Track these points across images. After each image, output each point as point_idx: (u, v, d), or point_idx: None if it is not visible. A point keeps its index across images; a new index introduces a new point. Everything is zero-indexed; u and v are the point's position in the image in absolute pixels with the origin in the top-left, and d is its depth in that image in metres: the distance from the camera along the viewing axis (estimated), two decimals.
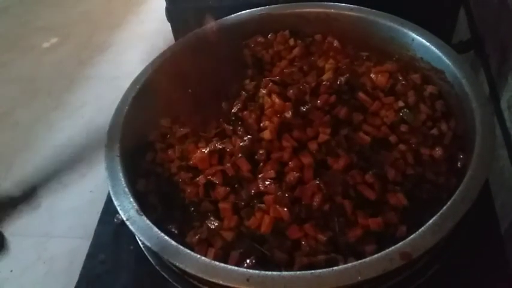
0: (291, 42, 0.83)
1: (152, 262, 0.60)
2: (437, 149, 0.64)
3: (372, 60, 0.79)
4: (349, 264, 0.49)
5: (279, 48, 0.83)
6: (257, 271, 0.49)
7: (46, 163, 1.69)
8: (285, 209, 0.58)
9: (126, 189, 0.60)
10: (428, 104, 0.70)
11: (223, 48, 0.83)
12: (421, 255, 0.49)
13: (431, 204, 0.57)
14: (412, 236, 0.50)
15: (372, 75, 0.75)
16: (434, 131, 0.66)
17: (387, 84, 0.73)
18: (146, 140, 0.73)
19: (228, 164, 0.64)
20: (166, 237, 0.54)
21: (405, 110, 0.68)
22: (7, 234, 1.47)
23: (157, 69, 0.77)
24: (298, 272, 0.49)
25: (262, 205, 0.60)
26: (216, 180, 0.64)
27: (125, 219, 0.57)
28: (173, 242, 0.53)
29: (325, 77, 0.75)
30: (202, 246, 0.57)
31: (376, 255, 0.49)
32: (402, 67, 0.76)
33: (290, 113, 0.68)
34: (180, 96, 0.78)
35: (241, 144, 0.66)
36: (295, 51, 0.82)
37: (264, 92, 0.72)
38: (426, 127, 0.67)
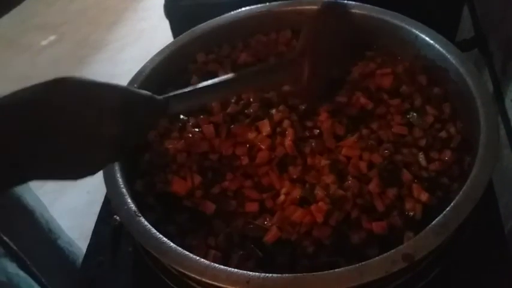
0: (294, 43, 0.82)
1: (151, 264, 0.60)
2: (446, 152, 0.62)
3: (377, 61, 0.78)
4: (351, 266, 0.48)
5: (282, 50, 0.81)
6: (257, 273, 0.48)
7: None
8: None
9: (124, 190, 0.59)
10: (434, 106, 0.69)
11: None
12: (424, 256, 0.48)
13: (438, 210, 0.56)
14: (414, 237, 0.50)
15: (377, 77, 0.73)
16: (443, 134, 0.65)
17: (392, 85, 0.72)
18: (144, 139, 0.72)
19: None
20: (165, 239, 0.53)
21: (412, 113, 0.67)
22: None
23: (155, 67, 0.76)
24: (299, 274, 0.48)
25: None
26: None
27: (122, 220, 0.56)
28: (172, 244, 0.52)
29: None
30: (201, 248, 0.56)
31: (378, 257, 0.48)
32: (408, 68, 0.75)
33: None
34: None
35: None
36: None
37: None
38: (435, 129, 0.66)
